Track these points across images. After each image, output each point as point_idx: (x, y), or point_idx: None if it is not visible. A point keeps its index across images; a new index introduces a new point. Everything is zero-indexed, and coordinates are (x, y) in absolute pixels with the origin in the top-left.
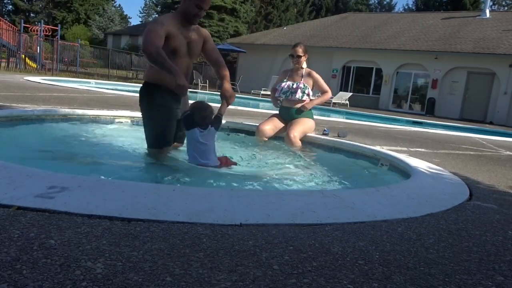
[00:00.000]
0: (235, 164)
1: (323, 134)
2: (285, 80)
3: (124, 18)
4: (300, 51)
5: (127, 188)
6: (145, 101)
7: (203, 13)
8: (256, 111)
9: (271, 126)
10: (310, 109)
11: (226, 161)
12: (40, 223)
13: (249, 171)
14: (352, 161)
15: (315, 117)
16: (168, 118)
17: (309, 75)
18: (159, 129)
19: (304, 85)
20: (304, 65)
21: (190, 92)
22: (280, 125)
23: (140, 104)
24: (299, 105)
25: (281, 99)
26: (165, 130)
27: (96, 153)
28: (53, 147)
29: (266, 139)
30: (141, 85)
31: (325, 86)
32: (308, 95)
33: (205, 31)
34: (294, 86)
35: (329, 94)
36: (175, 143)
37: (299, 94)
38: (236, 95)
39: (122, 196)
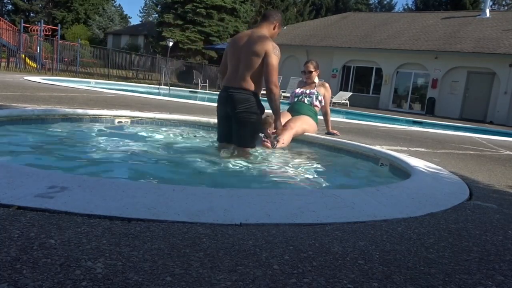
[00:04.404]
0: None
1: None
2: (298, 87)
3: (124, 18)
4: (311, 67)
5: (127, 188)
6: (258, 108)
7: None
8: None
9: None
10: (315, 113)
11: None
12: (40, 223)
13: (250, 170)
14: (352, 160)
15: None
16: None
17: (322, 85)
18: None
19: (317, 92)
20: (316, 79)
21: (190, 91)
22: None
23: (248, 109)
24: (331, 130)
25: (294, 100)
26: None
27: (96, 153)
28: (53, 147)
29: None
30: (246, 92)
31: (328, 103)
32: (320, 101)
33: None
34: (308, 91)
35: (329, 114)
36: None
37: (312, 98)
38: None
39: (122, 195)
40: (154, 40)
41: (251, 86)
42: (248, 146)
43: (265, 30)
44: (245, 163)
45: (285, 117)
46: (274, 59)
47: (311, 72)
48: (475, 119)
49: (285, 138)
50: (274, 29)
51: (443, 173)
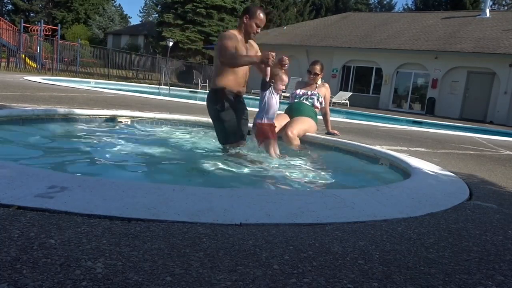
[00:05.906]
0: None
1: None
2: (299, 89)
3: (124, 18)
4: (318, 69)
5: (127, 188)
6: (217, 104)
7: (259, 30)
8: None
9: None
10: (316, 113)
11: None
12: (40, 222)
13: (250, 170)
14: (352, 160)
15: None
16: (236, 116)
17: (323, 85)
18: (233, 126)
19: (318, 94)
20: (319, 82)
21: (190, 91)
22: (286, 120)
23: (210, 108)
24: (331, 130)
25: (295, 100)
26: (238, 126)
27: (96, 153)
28: (53, 147)
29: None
30: (209, 90)
31: (328, 103)
32: (320, 103)
33: (256, 45)
34: (309, 93)
35: (329, 114)
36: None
37: (314, 100)
38: None
39: (122, 195)
40: (154, 40)
41: (212, 83)
42: (222, 143)
43: (238, 27)
44: (245, 164)
45: (282, 119)
46: (219, 43)
47: (317, 74)
48: (475, 119)
49: (296, 145)
50: (245, 20)
51: (443, 173)
